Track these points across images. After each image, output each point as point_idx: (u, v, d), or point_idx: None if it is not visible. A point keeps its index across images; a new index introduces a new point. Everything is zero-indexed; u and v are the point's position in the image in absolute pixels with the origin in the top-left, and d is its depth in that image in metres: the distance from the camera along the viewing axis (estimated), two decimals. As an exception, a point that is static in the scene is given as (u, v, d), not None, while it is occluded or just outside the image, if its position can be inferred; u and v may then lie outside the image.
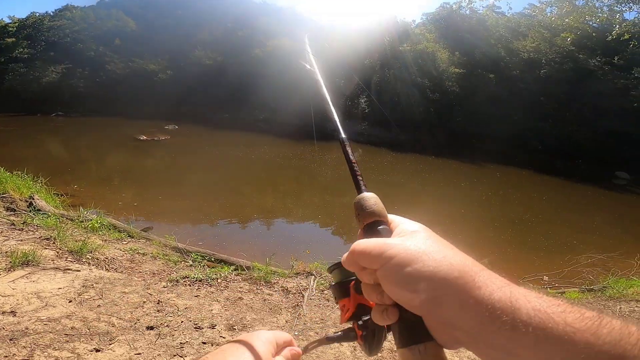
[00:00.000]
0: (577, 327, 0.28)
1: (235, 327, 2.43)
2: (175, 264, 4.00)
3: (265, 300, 2.95)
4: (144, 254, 4.03)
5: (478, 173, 14.78)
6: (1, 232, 3.48)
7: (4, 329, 2.05)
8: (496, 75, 22.75)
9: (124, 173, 10.76)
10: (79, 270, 2.91)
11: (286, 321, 2.65)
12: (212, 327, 2.40)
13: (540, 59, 21.80)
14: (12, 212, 4.47)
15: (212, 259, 4.46)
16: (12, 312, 2.21)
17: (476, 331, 0.31)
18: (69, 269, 2.89)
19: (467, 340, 0.32)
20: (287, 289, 3.23)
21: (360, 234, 0.43)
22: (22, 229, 3.65)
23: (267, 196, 10.16)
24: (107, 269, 3.14)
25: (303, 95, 24.37)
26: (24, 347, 1.91)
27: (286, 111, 23.64)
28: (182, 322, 2.45)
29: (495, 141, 19.57)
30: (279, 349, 0.46)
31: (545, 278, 5.57)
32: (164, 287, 2.89)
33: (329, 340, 0.46)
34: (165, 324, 2.39)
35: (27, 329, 2.09)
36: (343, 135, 0.51)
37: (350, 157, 0.48)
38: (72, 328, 2.15)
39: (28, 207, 4.81)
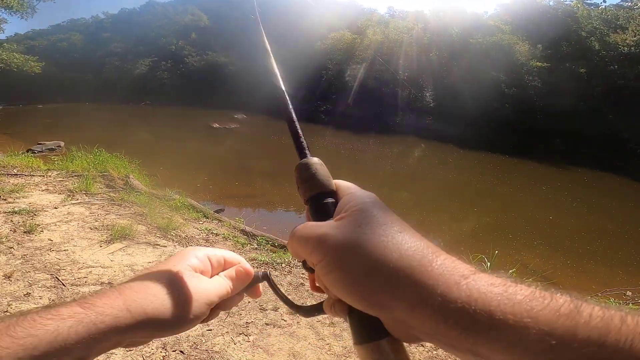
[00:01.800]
0: (551, 328, 0.24)
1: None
2: (243, 246, 4.30)
3: (327, 289, 3.04)
4: (216, 234, 4.38)
5: (562, 176, 13.36)
6: (103, 206, 4.02)
7: None
8: (588, 70, 20.36)
9: (200, 157, 11.72)
10: (165, 247, 3.26)
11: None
12: (275, 309, 2.54)
13: None
14: (111, 189, 5.16)
15: (275, 244, 4.70)
16: (109, 283, 2.55)
17: (434, 333, 0.27)
18: (157, 245, 3.25)
19: (425, 338, 0.28)
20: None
21: (306, 210, 0.38)
22: (120, 205, 4.18)
23: None
24: (186, 246, 3.47)
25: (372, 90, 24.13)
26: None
27: (347, 103, 23.52)
28: (249, 302, 2.63)
29: (584, 142, 17.56)
30: (220, 267, 0.42)
31: (629, 293, 5.01)
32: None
33: (301, 310, 0.41)
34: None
35: None
36: (283, 88, 0.45)
37: (292, 116, 0.42)
38: None
39: (124, 185, 5.50)
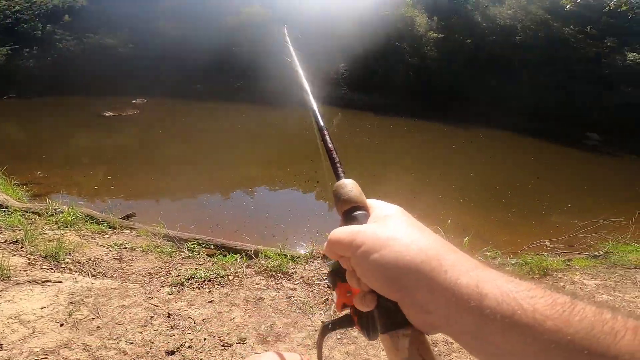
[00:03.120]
0: (547, 315, 0.27)
1: (269, 338, 2.01)
2: (171, 256, 3.51)
3: (289, 297, 2.53)
4: (132, 249, 3.49)
5: (465, 136, 14.76)
6: (-49, 238, 2.82)
7: None
8: (472, 40, 22.75)
9: (93, 154, 9.76)
10: (61, 282, 2.36)
11: (322, 322, 2.26)
12: (242, 342, 1.97)
13: (516, 25, 22.12)
14: (-36, 210, 3.75)
15: (211, 246, 4.00)
16: None
17: (447, 316, 0.30)
18: (47, 281, 2.33)
19: (441, 325, 0.31)
20: (309, 280, 2.83)
21: (340, 221, 0.42)
22: (-21, 232, 3.00)
23: (252, 166, 9.62)
24: (93, 275, 2.60)
25: (281, 62, 23.50)
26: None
27: (263, 78, 22.69)
28: (205, 339, 2.01)
29: (474, 104, 19.75)
30: None
31: (547, 243, 5.54)
32: (169, 293, 2.40)
33: (326, 328, 0.45)
34: (187, 345, 1.94)
35: None
36: (322, 124, 0.52)
37: (329, 145, 0.50)
38: None
39: (-16, 203, 4.08)
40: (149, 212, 5.55)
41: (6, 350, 1.71)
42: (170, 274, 2.90)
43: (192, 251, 3.74)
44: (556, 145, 14.31)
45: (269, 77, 22.09)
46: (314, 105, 0.53)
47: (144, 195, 7.04)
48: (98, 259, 2.95)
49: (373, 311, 0.38)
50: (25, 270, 2.47)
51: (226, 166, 9.48)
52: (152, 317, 2.13)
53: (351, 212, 0.41)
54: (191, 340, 2.02)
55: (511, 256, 4.46)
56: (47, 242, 2.98)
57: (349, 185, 0.43)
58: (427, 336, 0.34)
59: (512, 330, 0.27)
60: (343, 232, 0.38)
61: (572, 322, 0.26)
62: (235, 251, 3.83)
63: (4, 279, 2.31)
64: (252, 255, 3.68)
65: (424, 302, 0.31)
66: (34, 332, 1.85)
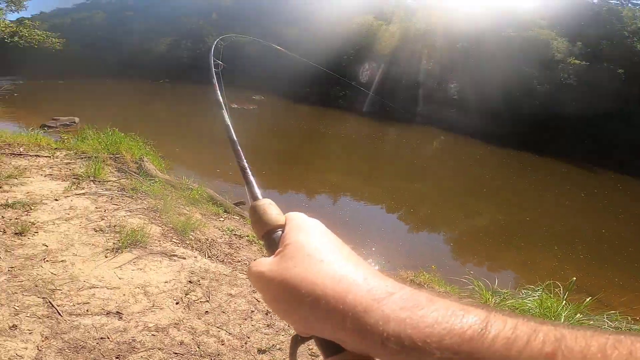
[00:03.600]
0: (455, 352, 0.25)
1: None
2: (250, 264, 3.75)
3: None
4: (240, 237, 3.81)
5: (592, 180, 12.51)
6: (112, 198, 3.46)
7: (108, 338, 1.82)
8: (627, 70, 19.16)
9: (218, 139, 11.12)
10: (184, 258, 2.68)
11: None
12: None
13: None
14: (122, 174, 4.60)
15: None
16: (118, 312, 1.99)
17: (366, 351, 0.28)
18: (174, 255, 2.68)
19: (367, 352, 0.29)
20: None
21: (264, 244, 0.41)
22: (132, 197, 3.62)
23: (351, 176, 9.75)
24: (209, 256, 2.90)
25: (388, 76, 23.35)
26: (132, 371, 1.64)
27: (367, 89, 22.89)
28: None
29: (615, 146, 16.55)
30: None
31: None
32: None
33: (296, 339, 0.39)
34: (277, 346, 2.01)
35: (133, 340, 1.84)
36: (235, 139, 0.53)
37: (243, 163, 0.50)
38: (180, 343, 1.86)
39: (137, 169, 4.95)
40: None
41: (124, 320, 1.97)
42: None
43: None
44: None
45: (378, 89, 22.09)
46: (228, 121, 0.53)
47: (257, 184, 7.72)
48: (214, 240, 3.28)
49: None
50: (159, 240, 2.88)
51: (327, 170, 9.82)
52: (252, 311, 2.26)
53: (268, 236, 0.40)
54: (282, 342, 2.09)
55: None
56: (178, 216, 3.44)
57: (264, 206, 0.41)
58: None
59: None
60: (250, 273, 0.36)
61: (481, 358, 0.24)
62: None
63: (141, 246, 2.72)
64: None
65: (337, 339, 0.30)
66: (153, 306, 2.12)
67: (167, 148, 7.94)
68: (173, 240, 2.96)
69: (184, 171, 6.45)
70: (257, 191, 0.45)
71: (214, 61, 0.83)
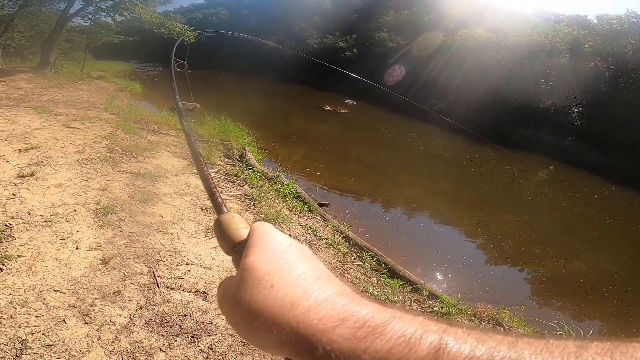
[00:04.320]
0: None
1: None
2: (344, 256, 3.75)
3: None
4: (320, 238, 3.91)
5: None
6: (217, 181, 3.84)
7: (191, 316, 1.98)
8: None
9: (309, 139, 11.62)
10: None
11: None
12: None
13: None
14: (228, 160, 5.11)
15: (380, 263, 4.06)
16: (204, 292, 2.17)
17: None
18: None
19: None
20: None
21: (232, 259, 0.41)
22: (233, 182, 3.97)
23: (445, 196, 9.27)
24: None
25: (489, 91, 21.50)
26: (201, 350, 1.77)
27: (466, 106, 21.38)
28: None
29: None
30: None
31: None
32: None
33: None
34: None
35: (211, 322, 1.98)
36: (198, 150, 0.51)
37: (208, 175, 0.47)
38: None
39: (239, 157, 5.44)
40: (338, 207, 6.12)
41: (208, 301, 2.12)
42: (344, 276, 3.08)
43: (362, 260, 3.88)
44: None
45: (471, 106, 20.46)
46: (189, 131, 0.52)
47: (338, 188, 7.83)
48: (296, 237, 3.42)
49: None
50: (251, 227, 3.10)
51: (413, 184, 9.49)
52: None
53: (235, 251, 0.39)
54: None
55: None
56: (269, 207, 3.67)
57: (227, 222, 0.40)
58: None
59: None
60: (218, 294, 0.36)
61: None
62: (400, 276, 3.78)
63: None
64: (414, 287, 3.55)
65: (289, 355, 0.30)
66: None
67: (265, 141, 8.53)
68: (263, 229, 3.17)
69: (275, 165, 6.88)
70: (223, 204, 0.44)
71: (175, 61, 0.82)
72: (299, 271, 0.33)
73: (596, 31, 22.15)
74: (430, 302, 3.25)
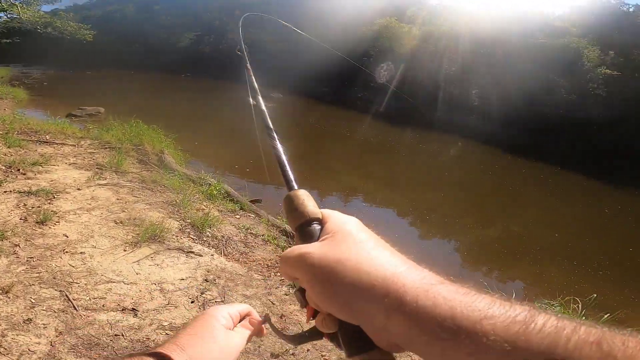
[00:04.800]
0: (507, 334, 0.25)
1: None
2: (283, 250, 3.70)
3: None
4: (255, 235, 3.79)
5: (623, 197, 11.96)
6: (132, 190, 3.48)
7: (123, 335, 1.80)
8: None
9: (235, 136, 11.21)
10: (201, 255, 2.67)
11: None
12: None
13: None
14: (144, 166, 4.65)
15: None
16: (133, 309, 1.97)
17: (409, 339, 0.29)
18: (191, 252, 2.66)
19: (407, 347, 0.30)
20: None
21: (295, 237, 0.40)
22: (152, 189, 3.64)
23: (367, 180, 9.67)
24: (225, 255, 2.88)
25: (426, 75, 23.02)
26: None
27: (386, 93, 22.64)
28: (308, 350, 2.01)
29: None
30: (237, 320, 0.51)
31: None
32: (285, 294, 2.48)
33: (292, 340, 0.42)
34: (290, 352, 1.96)
35: (147, 338, 1.82)
36: (271, 126, 0.50)
37: (279, 149, 0.47)
38: None
39: (158, 162, 5.00)
40: (271, 200, 6.02)
41: (139, 317, 1.95)
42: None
43: (303, 252, 3.87)
44: None
45: (396, 91, 21.76)
46: (263, 106, 0.51)
47: (271, 182, 7.70)
48: (230, 238, 3.26)
49: (337, 333, 0.35)
50: (176, 236, 2.87)
51: (348, 171, 9.74)
52: (267, 314, 2.22)
53: (305, 226, 0.38)
54: (295, 348, 2.04)
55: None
56: (195, 211, 3.44)
57: (302, 197, 0.40)
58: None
59: (471, 346, 0.25)
60: (291, 254, 0.36)
61: (532, 341, 0.24)
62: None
63: (159, 241, 2.71)
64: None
65: (384, 327, 0.30)
66: (168, 304, 2.10)
67: (186, 142, 8.02)
68: (190, 236, 2.95)
69: (202, 166, 6.50)
70: (294, 181, 0.43)
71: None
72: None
73: (486, 19, 24.74)
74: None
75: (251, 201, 5.32)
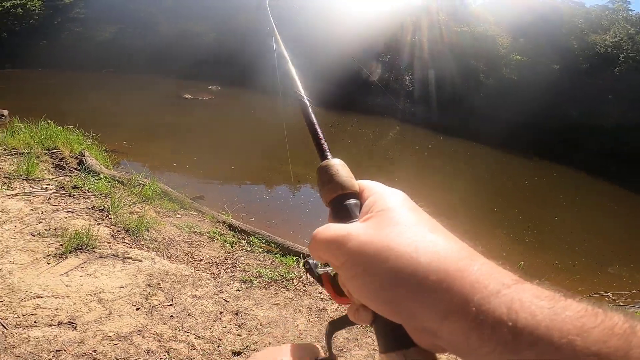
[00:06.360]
0: (600, 348, 0.20)
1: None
2: (232, 247, 3.55)
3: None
4: (200, 234, 3.60)
5: (537, 171, 13.55)
6: (49, 198, 3.07)
7: (65, 350, 1.60)
8: (561, 66, 21.05)
9: (172, 132, 10.49)
10: (140, 260, 2.44)
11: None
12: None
13: (618, 55, 20.03)
14: (61, 171, 4.12)
15: (271, 243, 3.99)
16: (70, 322, 1.75)
17: (464, 346, 0.23)
18: (128, 257, 2.42)
19: (456, 351, 0.24)
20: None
21: (329, 213, 0.35)
22: (73, 195, 3.24)
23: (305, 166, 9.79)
24: (168, 257, 2.67)
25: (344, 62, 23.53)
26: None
27: (323, 79, 22.88)
28: (269, 343, 1.95)
29: (548, 134, 18.13)
30: None
31: (610, 295, 4.97)
32: (238, 290, 2.38)
33: (334, 325, 0.37)
34: (252, 347, 1.89)
35: (94, 351, 1.64)
36: (304, 94, 0.43)
37: (312, 118, 0.41)
38: (148, 351, 1.68)
39: (78, 165, 4.47)
40: (215, 196, 5.75)
41: (80, 331, 1.76)
42: (235, 267, 2.91)
43: (252, 245, 3.75)
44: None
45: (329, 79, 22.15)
46: (294, 74, 0.46)
47: (212, 178, 7.34)
48: (172, 239, 3.04)
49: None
50: (109, 243, 2.59)
51: (292, 161, 9.66)
52: (221, 312, 2.11)
53: (340, 201, 0.34)
54: (256, 342, 1.98)
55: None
56: (129, 215, 3.14)
57: (336, 167, 0.36)
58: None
59: None
60: (326, 235, 0.30)
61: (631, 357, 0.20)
62: (293, 252, 3.79)
63: (88, 250, 2.43)
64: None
65: (435, 329, 0.24)
66: (110, 314, 1.90)
67: (113, 141, 7.31)
68: (125, 241, 2.68)
69: (134, 166, 5.97)
70: (327, 150, 0.39)
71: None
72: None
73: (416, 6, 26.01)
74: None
75: (192, 199, 5.02)
